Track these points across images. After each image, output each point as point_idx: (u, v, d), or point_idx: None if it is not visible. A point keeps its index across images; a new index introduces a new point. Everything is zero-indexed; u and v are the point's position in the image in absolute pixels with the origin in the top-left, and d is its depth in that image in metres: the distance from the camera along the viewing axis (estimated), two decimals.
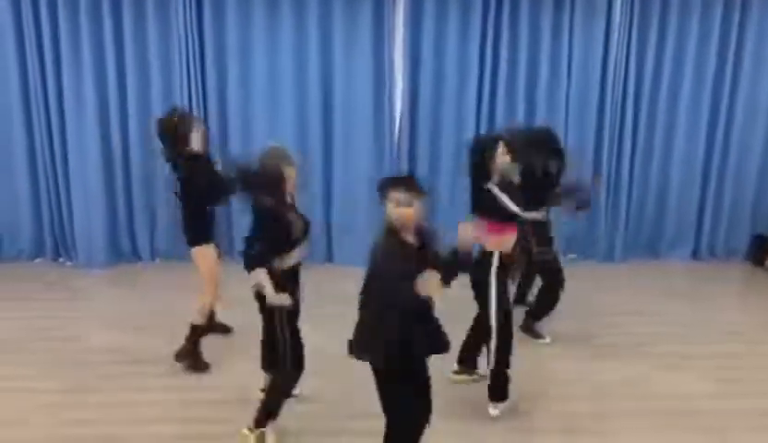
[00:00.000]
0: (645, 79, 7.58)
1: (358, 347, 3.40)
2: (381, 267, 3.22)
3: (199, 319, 5.10)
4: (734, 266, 7.97)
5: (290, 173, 3.93)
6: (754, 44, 7.55)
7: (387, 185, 3.26)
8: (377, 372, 3.41)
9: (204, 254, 5.04)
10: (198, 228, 5.04)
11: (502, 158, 4.27)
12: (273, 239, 3.85)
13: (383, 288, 3.20)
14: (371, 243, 3.31)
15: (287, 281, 3.91)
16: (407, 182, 3.27)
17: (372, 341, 3.32)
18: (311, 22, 7.20)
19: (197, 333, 5.12)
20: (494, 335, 4.36)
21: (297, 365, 4.03)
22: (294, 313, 3.99)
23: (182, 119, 5.05)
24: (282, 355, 3.97)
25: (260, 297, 3.95)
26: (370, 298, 3.32)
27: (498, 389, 4.48)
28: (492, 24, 7.29)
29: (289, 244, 3.89)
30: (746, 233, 8.10)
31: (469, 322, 4.83)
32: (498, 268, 4.30)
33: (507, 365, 4.45)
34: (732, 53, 7.55)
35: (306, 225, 4.00)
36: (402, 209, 3.22)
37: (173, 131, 4.95)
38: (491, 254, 4.30)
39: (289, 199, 4.00)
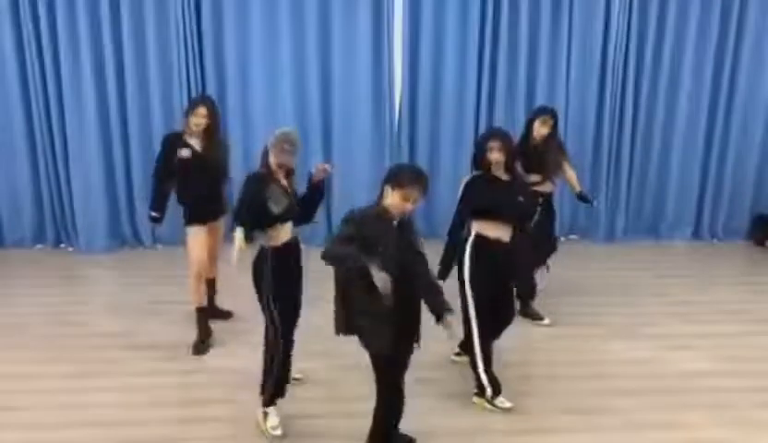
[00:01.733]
0: (646, 60, 7.56)
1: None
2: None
3: (195, 301, 5.19)
4: (735, 246, 7.97)
5: (274, 157, 3.94)
6: (755, 23, 7.51)
7: (409, 179, 3.38)
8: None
9: (191, 234, 5.12)
10: (185, 208, 5.13)
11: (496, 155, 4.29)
12: (244, 204, 3.98)
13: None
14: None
15: (278, 261, 3.96)
16: (424, 184, 3.41)
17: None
18: (310, 9, 7.18)
19: (199, 315, 5.20)
20: (474, 322, 4.29)
21: (287, 340, 4.04)
22: (281, 291, 3.98)
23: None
24: (272, 332, 4.01)
25: (253, 274, 4.02)
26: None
27: (479, 382, 4.40)
28: (491, 4, 7.27)
29: (267, 218, 3.92)
30: (747, 214, 8.10)
31: None
32: (473, 250, 4.28)
33: (488, 358, 4.37)
34: (733, 33, 7.52)
35: (291, 206, 3.99)
36: (408, 206, 3.39)
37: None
38: (468, 235, 4.31)
39: (281, 176, 4.01)
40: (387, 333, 3.41)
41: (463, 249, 4.31)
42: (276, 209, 3.91)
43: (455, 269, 4.36)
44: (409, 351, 3.61)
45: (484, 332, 4.33)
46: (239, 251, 3.96)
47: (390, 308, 3.33)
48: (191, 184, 5.09)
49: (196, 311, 5.22)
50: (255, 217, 3.94)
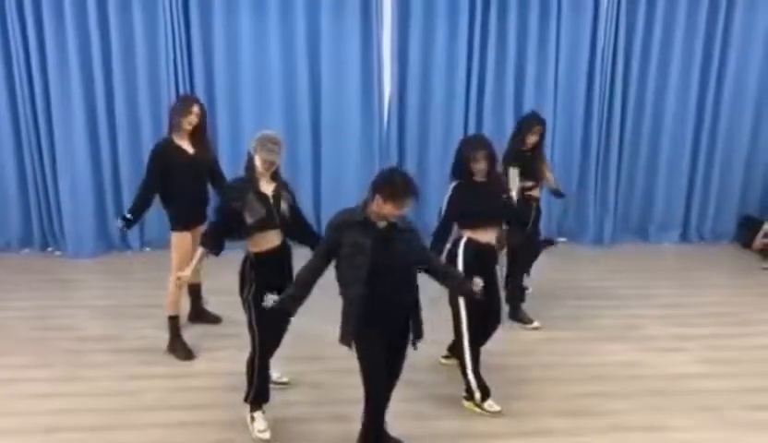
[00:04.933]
0: (633, 65, 7.57)
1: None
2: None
3: (170, 310, 5.14)
4: (722, 248, 8.01)
5: (261, 156, 3.95)
6: (741, 28, 7.55)
7: (401, 193, 3.47)
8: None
9: (177, 240, 5.06)
10: (175, 214, 5.07)
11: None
12: (217, 218, 4.05)
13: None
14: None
15: (261, 266, 3.97)
16: (416, 194, 3.53)
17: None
18: (298, 12, 7.16)
19: (172, 324, 5.15)
20: (464, 326, 4.31)
21: (263, 345, 4.04)
22: (262, 297, 3.92)
23: (176, 106, 5.13)
24: (251, 335, 4.03)
25: (239, 278, 4.05)
26: None
27: (468, 386, 4.43)
28: (480, 9, 7.27)
29: (239, 228, 3.94)
30: (734, 216, 8.14)
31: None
32: (465, 254, 4.30)
33: (477, 362, 4.40)
34: (719, 38, 7.55)
35: (269, 214, 3.98)
36: (398, 213, 3.51)
37: (173, 112, 5.05)
38: (459, 240, 4.33)
39: (260, 184, 4.01)
40: (352, 325, 3.53)
41: (455, 254, 4.32)
42: (250, 218, 3.92)
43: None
44: (387, 349, 3.65)
45: (473, 336, 4.34)
46: (193, 269, 4.11)
47: (359, 301, 3.50)
48: (183, 188, 5.02)
49: (170, 319, 5.15)
50: (232, 226, 3.95)
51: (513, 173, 5.40)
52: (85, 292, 6.56)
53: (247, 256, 4.02)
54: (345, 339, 3.58)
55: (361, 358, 3.61)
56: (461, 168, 4.37)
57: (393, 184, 3.48)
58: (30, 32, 6.90)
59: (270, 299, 3.65)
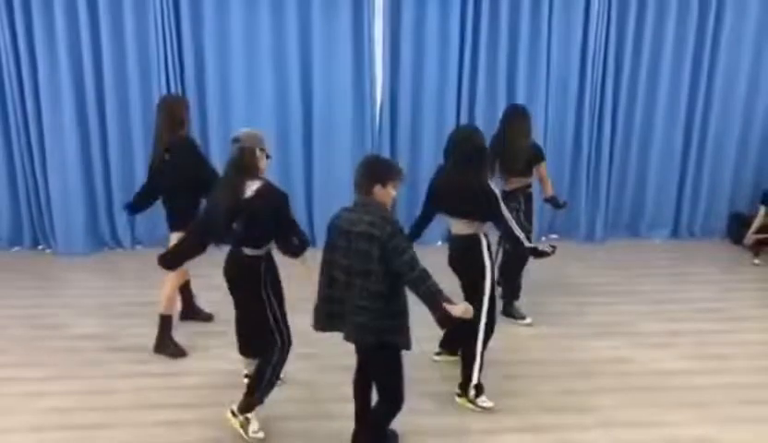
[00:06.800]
0: (625, 61, 7.59)
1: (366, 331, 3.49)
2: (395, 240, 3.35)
3: (166, 309, 5.11)
4: (713, 244, 8.04)
5: (266, 147, 4.01)
6: (732, 27, 7.58)
7: (397, 171, 3.54)
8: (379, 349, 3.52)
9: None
10: (178, 214, 5.01)
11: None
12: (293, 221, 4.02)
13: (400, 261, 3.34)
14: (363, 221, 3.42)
15: (271, 262, 4.00)
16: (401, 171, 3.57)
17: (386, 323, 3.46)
18: (289, 4, 7.14)
19: (165, 323, 5.12)
20: (481, 326, 4.30)
21: (288, 347, 4.06)
22: (281, 299, 4.02)
23: (184, 103, 5.14)
24: (276, 338, 4.00)
25: (232, 283, 4.02)
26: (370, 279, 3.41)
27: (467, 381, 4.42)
28: (471, 3, 7.28)
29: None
30: (724, 212, 8.18)
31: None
32: (488, 248, 4.31)
33: (482, 356, 4.39)
34: (710, 36, 7.57)
35: None
36: (394, 193, 3.53)
37: (178, 111, 5.00)
38: (477, 236, 4.29)
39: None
40: (408, 328, 3.53)
41: (479, 252, 4.27)
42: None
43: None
44: None
45: (488, 335, 4.37)
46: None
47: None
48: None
49: (164, 318, 5.11)
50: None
51: (544, 169, 5.43)
52: (76, 290, 6.53)
53: (260, 260, 3.95)
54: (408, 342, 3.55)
55: (399, 360, 3.57)
56: (488, 163, 4.32)
57: (389, 166, 3.56)
58: (18, 29, 6.86)
59: None
